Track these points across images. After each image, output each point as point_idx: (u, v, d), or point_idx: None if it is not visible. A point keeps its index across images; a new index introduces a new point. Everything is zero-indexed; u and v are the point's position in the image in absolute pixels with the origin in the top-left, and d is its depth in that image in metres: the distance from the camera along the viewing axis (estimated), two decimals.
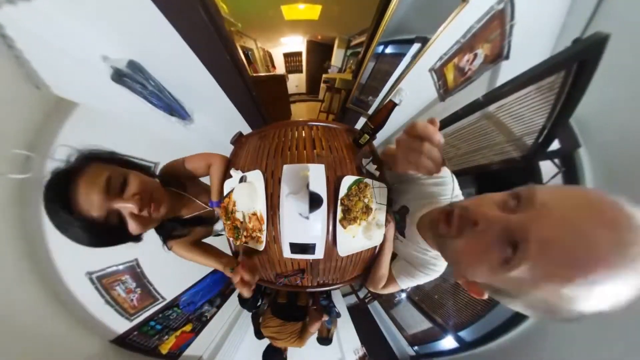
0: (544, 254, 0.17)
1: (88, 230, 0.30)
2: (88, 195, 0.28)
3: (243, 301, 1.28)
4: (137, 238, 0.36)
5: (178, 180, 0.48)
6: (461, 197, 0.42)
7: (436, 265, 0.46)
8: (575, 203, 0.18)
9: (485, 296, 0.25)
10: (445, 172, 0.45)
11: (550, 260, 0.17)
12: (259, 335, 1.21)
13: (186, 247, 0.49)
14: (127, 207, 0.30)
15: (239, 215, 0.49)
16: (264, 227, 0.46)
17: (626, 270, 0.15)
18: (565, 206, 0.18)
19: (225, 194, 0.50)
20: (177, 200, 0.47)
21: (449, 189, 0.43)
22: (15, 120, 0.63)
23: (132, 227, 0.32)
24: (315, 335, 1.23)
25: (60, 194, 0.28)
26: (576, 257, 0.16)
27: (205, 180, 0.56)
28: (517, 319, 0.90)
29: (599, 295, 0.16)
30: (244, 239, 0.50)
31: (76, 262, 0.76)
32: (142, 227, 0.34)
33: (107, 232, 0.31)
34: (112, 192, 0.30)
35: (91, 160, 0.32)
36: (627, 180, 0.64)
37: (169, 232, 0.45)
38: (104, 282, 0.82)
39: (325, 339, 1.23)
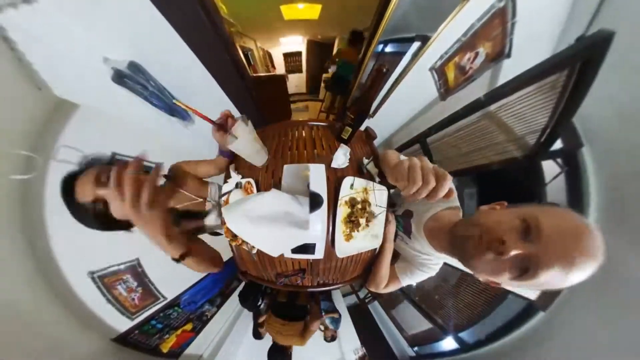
0: (548, 272, 0.28)
1: (84, 213, 0.39)
2: (82, 186, 0.38)
3: (244, 300, 1.29)
4: (127, 227, 0.42)
5: (180, 180, 0.52)
6: (458, 203, 0.47)
7: (434, 265, 0.51)
8: (568, 235, 0.29)
9: (501, 285, 0.35)
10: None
11: (550, 276, 0.29)
12: (257, 335, 1.22)
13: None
14: (104, 192, 0.36)
15: None
16: None
17: (589, 269, 0.28)
18: (562, 239, 0.28)
19: (223, 193, 0.51)
20: (169, 193, 0.50)
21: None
22: (18, 121, 0.63)
23: (113, 209, 0.37)
24: (320, 335, 1.23)
25: (66, 188, 0.39)
26: (565, 271, 0.28)
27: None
28: (518, 320, 0.90)
29: (575, 279, 0.29)
30: (240, 241, 0.50)
31: (78, 261, 0.76)
32: (120, 211, 0.37)
33: (99, 216, 0.39)
34: (98, 183, 0.37)
35: (91, 164, 0.40)
36: (630, 179, 0.63)
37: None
38: (105, 282, 0.83)
39: (332, 338, 1.24)
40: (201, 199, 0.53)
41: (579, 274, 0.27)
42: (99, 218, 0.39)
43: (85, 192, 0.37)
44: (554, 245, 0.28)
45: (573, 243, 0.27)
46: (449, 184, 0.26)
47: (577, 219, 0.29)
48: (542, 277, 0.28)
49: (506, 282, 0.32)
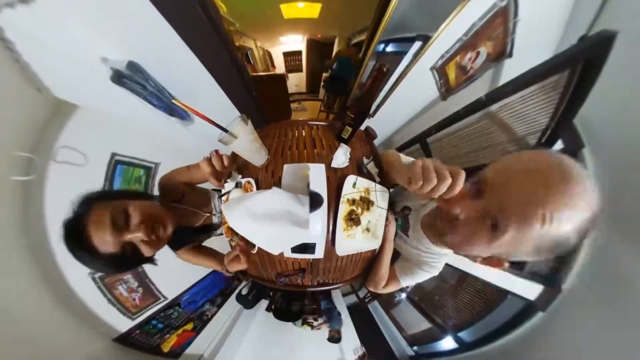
0: (514, 224, 0.25)
1: (111, 263, 0.35)
2: (101, 237, 0.33)
3: (240, 297, 1.29)
4: (152, 260, 0.41)
5: (176, 192, 0.50)
6: None
7: (436, 263, 0.49)
8: (521, 179, 0.24)
9: (506, 265, 0.31)
10: None
11: (522, 230, 0.25)
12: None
13: (190, 252, 0.53)
14: (136, 236, 0.34)
15: None
16: None
17: (573, 203, 0.23)
18: (513, 184, 0.25)
19: (223, 193, 0.51)
20: (181, 212, 0.49)
21: None
22: (17, 122, 0.63)
23: (146, 251, 0.36)
24: (320, 336, 1.24)
25: (78, 241, 0.33)
26: (532, 219, 0.23)
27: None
28: (517, 320, 0.90)
29: (562, 222, 0.23)
30: (240, 240, 0.50)
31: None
32: (154, 249, 0.38)
33: (126, 260, 0.36)
34: (119, 228, 0.33)
35: (90, 204, 0.35)
36: (631, 180, 0.63)
37: (182, 243, 0.49)
38: (106, 282, 0.83)
39: (335, 339, 1.24)
40: (208, 214, 0.52)
41: (556, 224, 0.23)
42: (127, 262, 0.36)
43: (108, 243, 0.33)
44: (502, 192, 0.24)
45: (530, 187, 0.23)
46: (463, 179, 0.26)
47: (538, 158, 0.25)
48: (512, 232, 0.25)
49: (485, 250, 0.29)
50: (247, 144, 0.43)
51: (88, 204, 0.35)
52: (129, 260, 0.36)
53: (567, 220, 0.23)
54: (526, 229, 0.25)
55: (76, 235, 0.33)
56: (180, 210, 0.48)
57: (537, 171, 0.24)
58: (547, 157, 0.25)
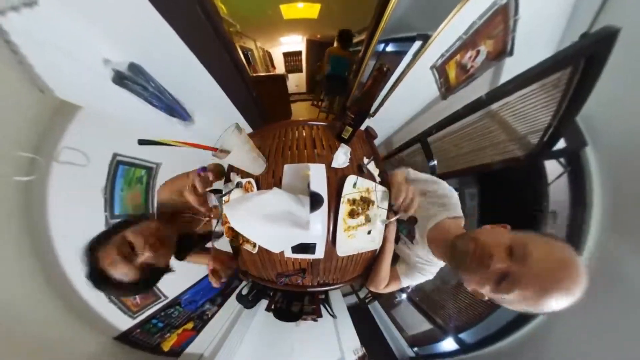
0: (522, 292, 0.32)
1: (141, 286, 0.42)
2: (120, 271, 0.38)
3: (240, 297, 1.29)
4: (168, 270, 0.48)
5: (171, 204, 0.53)
6: (460, 213, 0.50)
7: (432, 269, 0.54)
8: (551, 266, 0.32)
9: (485, 298, 0.39)
10: (451, 189, 0.53)
11: (523, 297, 0.32)
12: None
13: (195, 253, 0.56)
14: (147, 256, 0.39)
15: None
16: None
17: (563, 302, 0.31)
18: (545, 269, 0.31)
19: (224, 193, 0.51)
20: (180, 221, 0.53)
21: (454, 202, 0.51)
22: (20, 123, 0.64)
23: (161, 263, 0.43)
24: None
25: (106, 284, 0.39)
26: (538, 296, 0.31)
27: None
28: (518, 322, 0.89)
29: (546, 308, 0.32)
30: (241, 240, 0.51)
31: (80, 261, 0.77)
32: (166, 259, 0.45)
33: (150, 278, 0.42)
34: (129, 257, 0.38)
35: (95, 250, 0.40)
36: (634, 179, 0.62)
37: (188, 250, 0.53)
38: None
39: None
40: (207, 218, 0.55)
41: (551, 304, 0.31)
42: (151, 278, 0.42)
43: (127, 272, 0.38)
44: (535, 271, 0.31)
45: (552, 275, 0.31)
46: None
47: (566, 254, 0.32)
48: (515, 295, 0.32)
49: (488, 293, 0.36)
50: (243, 154, 0.43)
51: (94, 251, 0.39)
52: (152, 276, 0.42)
53: (559, 306, 0.31)
54: (526, 302, 0.32)
55: (101, 280, 0.38)
56: (179, 219, 0.52)
57: (567, 266, 0.31)
58: (575, 257, 0.32)
